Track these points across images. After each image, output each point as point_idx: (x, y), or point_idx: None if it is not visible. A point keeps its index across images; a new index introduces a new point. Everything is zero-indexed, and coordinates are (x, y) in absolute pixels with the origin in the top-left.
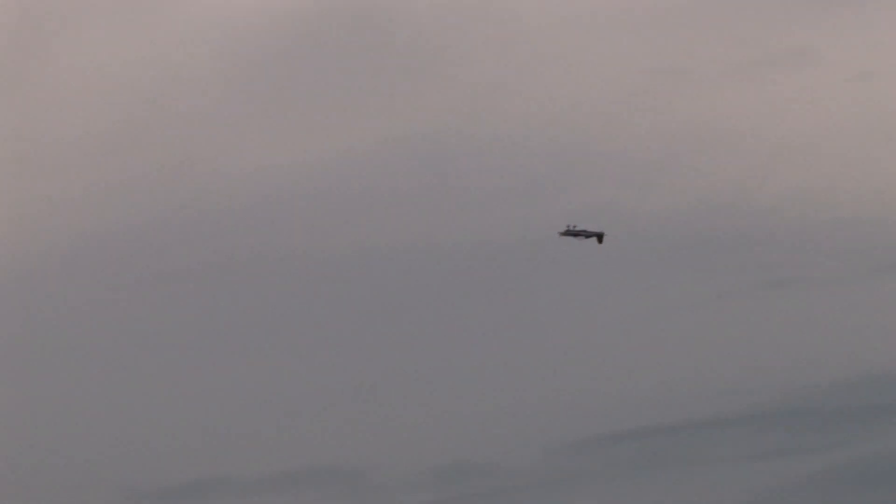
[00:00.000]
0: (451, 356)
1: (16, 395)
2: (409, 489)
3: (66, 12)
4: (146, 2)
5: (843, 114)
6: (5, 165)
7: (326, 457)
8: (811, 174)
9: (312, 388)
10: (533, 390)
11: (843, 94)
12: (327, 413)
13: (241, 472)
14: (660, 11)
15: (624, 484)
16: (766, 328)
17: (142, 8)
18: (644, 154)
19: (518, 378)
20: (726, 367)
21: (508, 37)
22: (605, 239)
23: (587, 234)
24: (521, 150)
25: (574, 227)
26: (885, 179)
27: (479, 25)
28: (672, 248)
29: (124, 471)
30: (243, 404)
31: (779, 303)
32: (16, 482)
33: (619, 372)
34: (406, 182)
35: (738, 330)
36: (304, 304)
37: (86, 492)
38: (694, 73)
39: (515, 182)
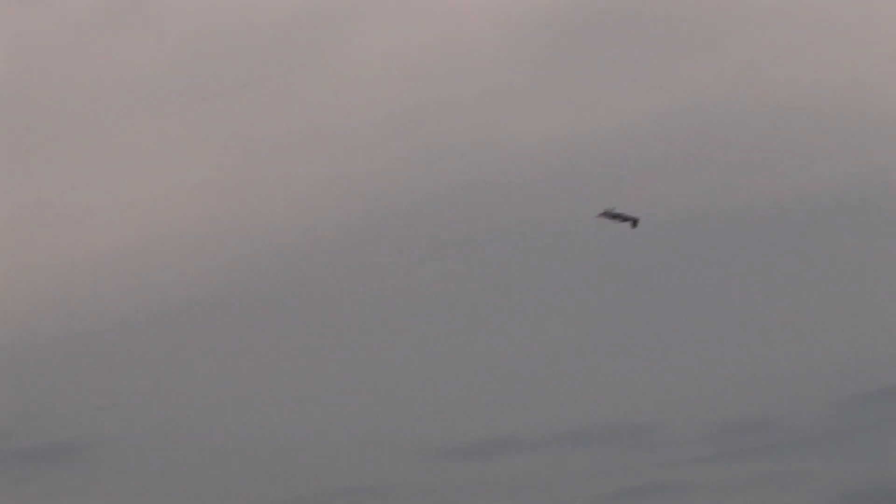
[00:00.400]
0: (735, 312)
1: (316, 359)
2: (695, 444)
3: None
4: None
5: None
6: (309, 148)
7: (612, 413)
8: None
9: (598, 346)
10: (815, 344)
11: None
12: (613, 370)
13: (528, 430)
14: None
15: None
16: None
17: None
18: None
19: (800, 333)
20: None
21: (782, 8)
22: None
23: (623, 219)
24: (794, 122)
25: (613, 209)
26: None
27: None
28: None
29: (416, 430)
30: (530, 362)
31: None
32: (315, 443)
33: None
34: (681, 153)
35: None
36: (584, 267)
37: (380, 450)
38: None
39: (787, 152)
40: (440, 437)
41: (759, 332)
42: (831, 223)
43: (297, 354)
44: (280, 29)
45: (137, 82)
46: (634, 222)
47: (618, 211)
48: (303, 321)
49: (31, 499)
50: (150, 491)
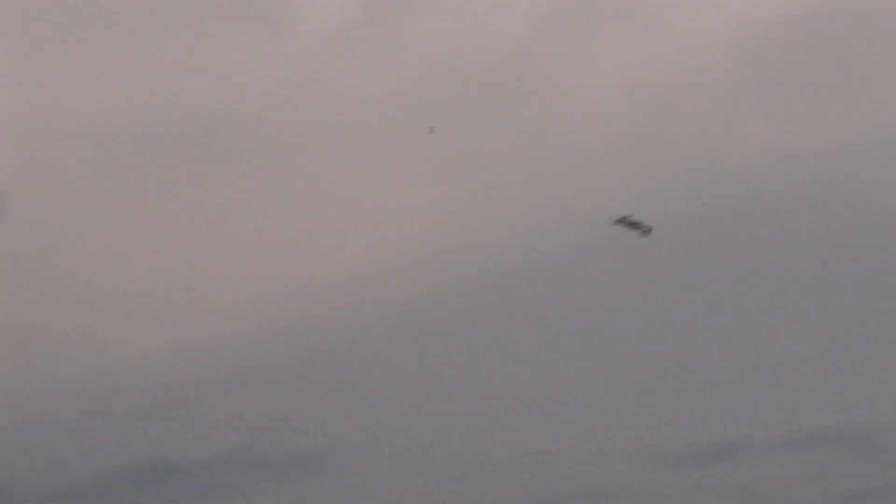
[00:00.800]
0: None
1: (542, 370)
2: None
3: (577, 26)
4: (651, 13)
5: None
6: (535, 172)
7: (840, 417)
8: None
9: (824, 348)
10: None
11: None
12: (841, 373)
13: (756, 435)
14: None
15: None
16: None
17: (649, 18)
18: None
19: None
20: None
21: None
22: None
23: (637, 227)
24: None
25: (630, 216)
26: None
27: None
28: None
29: (644, 435)
30: (757, 367)
31: None
32: (544, 450)
33: None
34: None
35: None
36: (809, 275)
37: (608, 456)
38: None
39: None
40: (668, 442)
41: None
42: None
43: (522, 367)
44: (507, 56)
45: (372, 111)
46: (647, 231)
47: (633, 219)
48: (530, 337)
49: None
50: (388, 499)
